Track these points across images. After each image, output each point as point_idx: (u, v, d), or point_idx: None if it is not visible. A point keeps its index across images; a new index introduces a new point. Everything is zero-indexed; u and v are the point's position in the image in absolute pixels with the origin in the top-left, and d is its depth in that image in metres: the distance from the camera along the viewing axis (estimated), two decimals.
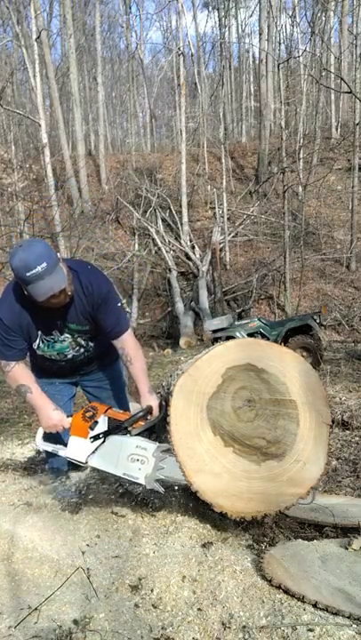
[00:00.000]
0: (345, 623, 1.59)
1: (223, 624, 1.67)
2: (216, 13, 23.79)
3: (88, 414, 2.32)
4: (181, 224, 16.18)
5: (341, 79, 7.55)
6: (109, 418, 2.32)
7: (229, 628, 1.65)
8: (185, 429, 2.18)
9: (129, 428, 2.28)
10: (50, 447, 2.47)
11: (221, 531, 2.31)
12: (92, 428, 2.29)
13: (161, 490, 2.21)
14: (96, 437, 2.27)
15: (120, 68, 29.93)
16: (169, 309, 13.00)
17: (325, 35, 16.62)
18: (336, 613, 1.63)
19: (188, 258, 14.97)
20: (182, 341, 9.84)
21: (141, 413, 2.30)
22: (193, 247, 15.66)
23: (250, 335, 7.11)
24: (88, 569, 1.98)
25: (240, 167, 20.31)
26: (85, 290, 2.27)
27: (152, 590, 1.86)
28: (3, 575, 2.00)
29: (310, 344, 6.95)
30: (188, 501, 2.51)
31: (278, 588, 1.79)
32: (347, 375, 5.88)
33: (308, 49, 16.46)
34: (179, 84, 17.13)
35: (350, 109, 17.92)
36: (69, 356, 2.49)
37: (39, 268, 2.02)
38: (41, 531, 2.36)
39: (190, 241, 15.96)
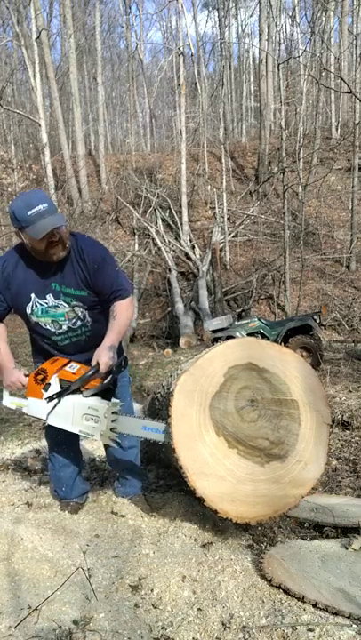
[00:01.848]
0: (345, 623, 1.59)
1: (223, 624, 1.67)
2: (216, 13, 23.81)
3: (39, 377, 2.38)
4: (181, 224, 16.16)
5: (341, 79, 7.55)
6: (61, 379, 2.37)
7: (229, 628, 1.65)
8: (187, 430, 2.13)
9: (81, 389, 2.33)
10: (14, 405, 2.51)
11: (221, 531, 2.31)
12: (45, 390, 2.36)
13: (117, 445, 2.32)
14: (51, 398, 2.34)
15: (120, 68, 29.93)
16: (169, 309, 12.95)
17: (325, 35, 16.57)
18: (336, 613, 1.63)
19: (188, 258, 14.95)
20: (182, 341, 9.80)
21: (90, 372, 2.30)
22: (193, 247, 15.64)
23: (250, 335, 7.09)
24: (88, 569, 1.98)
25: (240, 167, 20.30)
26: (81, 253, 2.33)
27: (152, 590, 1.86)
28: (3, 575, 2.00)
29: (310, 344, 6.95)
30: (188, 501, 2.51)
31: (278, 587, 1.79)
32: (347, 375, 5.87)
33: (308, 49, 16.44)
34: (179, 84, 17.11)
35: (350, 109, 17.91)
36: (65, 327, 2.43)
37: (41, 207, 2.11)
38: (41, 531, 2.36)
39: (190, 241, 15.94)
